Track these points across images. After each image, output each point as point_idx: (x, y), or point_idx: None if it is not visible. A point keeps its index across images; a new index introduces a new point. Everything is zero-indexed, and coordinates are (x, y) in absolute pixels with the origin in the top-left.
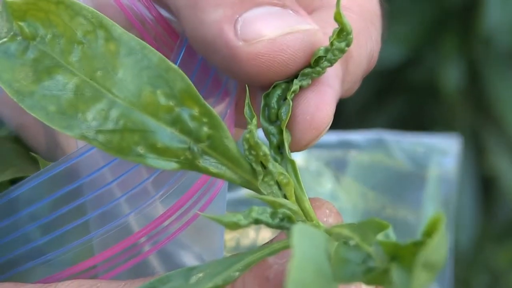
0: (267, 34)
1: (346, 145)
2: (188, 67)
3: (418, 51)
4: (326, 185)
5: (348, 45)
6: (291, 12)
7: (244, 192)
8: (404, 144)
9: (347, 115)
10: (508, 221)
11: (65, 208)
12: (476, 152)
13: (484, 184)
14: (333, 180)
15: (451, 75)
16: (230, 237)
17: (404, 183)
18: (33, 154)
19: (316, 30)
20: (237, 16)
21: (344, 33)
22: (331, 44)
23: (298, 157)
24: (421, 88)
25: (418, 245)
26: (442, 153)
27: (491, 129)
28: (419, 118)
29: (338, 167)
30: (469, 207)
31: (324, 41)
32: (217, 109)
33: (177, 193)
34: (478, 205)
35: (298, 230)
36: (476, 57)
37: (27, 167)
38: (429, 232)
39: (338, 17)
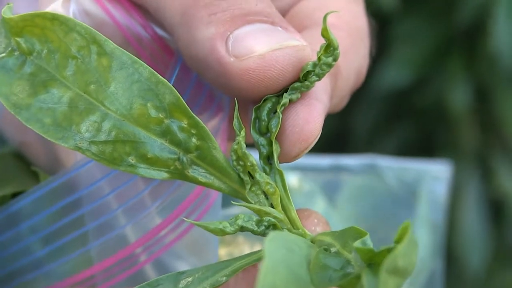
0: (257, 50)
1: (339, 169)
2: (183, 84)
3: (425, 73)
4: (319, 206)
5: (335, 59)
6: (280, 29)
7: (238, 209)
8: (396, 169)
9: (355, 140)
10: None
11: (64, 220)
12: (484, 174)
13: (493, 206)
14: (326, 201)
15: (458, 97)
16: (224, 252)
17: (395, 207)
18: (34, 168)
19: (304, 46)
20: (229, 33)
21: (331, 48)
22: (319, 59)
23: (293, 178)
24: (429, 111)
25: (391, 251)
26: (432, 178)
27: (499, 150)
28: (427, 141)
29: (331, 190)
30: (478, 230)
31: (312, 56)
32: (211, 124)
33: (173, 205)
34: (488, 228)
35: (272, 237)
36: (483, 78)
37: (28, 181)
38: (399, 240)
39: (325, 33)
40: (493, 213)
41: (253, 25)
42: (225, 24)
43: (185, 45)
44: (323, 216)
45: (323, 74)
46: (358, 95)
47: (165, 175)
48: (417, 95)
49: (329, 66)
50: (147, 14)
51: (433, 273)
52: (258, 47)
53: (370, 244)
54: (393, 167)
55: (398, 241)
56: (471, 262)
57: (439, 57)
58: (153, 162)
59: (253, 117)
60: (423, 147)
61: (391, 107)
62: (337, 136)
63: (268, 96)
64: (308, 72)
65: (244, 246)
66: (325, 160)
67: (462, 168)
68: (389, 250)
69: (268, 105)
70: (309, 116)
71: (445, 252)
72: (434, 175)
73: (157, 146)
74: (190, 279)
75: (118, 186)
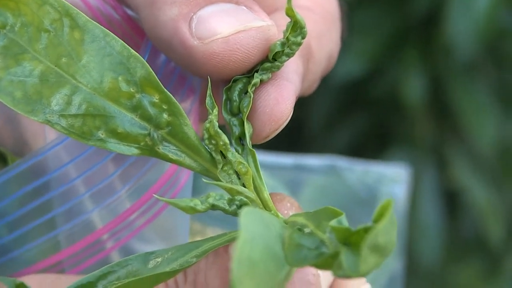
0: (221, 32)
1: (301, 168)
2: (153, 66)
3: (380, 64)
4: None
5: (303, 37)
6: (244, 8)
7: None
8: (356, 171)
9: (310, 130)
10: (473, 236)
11: (31, 205)
12: (439, 166)
13: (448, 198)
14: None
15: (413, 88)
16: None
17: (355, 208)
18: (2, 150)
19: (269, 26)
20: (192, 14)
21: (298, 26)
22: (287, 39)
23: None
24: (384, 102)
25: (368, 230)
26: (392, 181)
27: (455, 142)
28: (382, 131)
29: (293, 188)
30: (433, 221)
31: (278, 35)
32: (183, 106)
33: (142, 189)
34: (442, 219)
35: (247, 211)
36: (439, 69)
37: None
38: (378, 218)
39: (290, 12)
40: (448, 205)
41: (216, 5)
42: (189, 5)
43: (148, 26)
44: (296, 201)
45: (293, 53)
46: None
47: (135, 150)
48: (372, 86)
49: (298, 44)
50: None
51: (394, 274)
52: (222, 28)
53: (346, 223)
54: (354, 169)
55: (377, 220)
56: (426, 254)
57: (394, 47)
58: (123, 137)
59: (224, 98)
60: (378, 137)
61: (346, 98)
62: (292, 125)
63: (238, 76)
64: (278, 52)
65: None
66: (287, 159)
67: (417, 159)
68: (365, 230)
69: (239, 85)
70: (279, 97)
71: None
72: (394, 177)
73: (127, 121)
74: (159, 259)
75: (86, 170)
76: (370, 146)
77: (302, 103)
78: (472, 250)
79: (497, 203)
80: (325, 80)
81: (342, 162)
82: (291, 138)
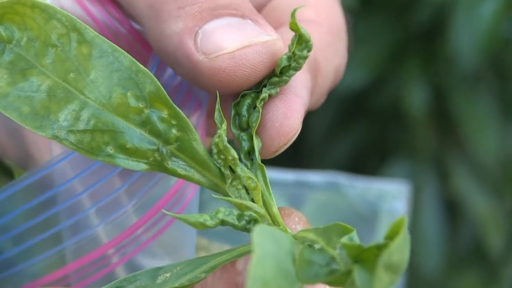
0: (226, 47)
1: (303, 185)
2: (161, 79)
3: (383, 74)
4: None
5: (309, 51)
6: (250, 22)
7: None
8: (357, 188)
9: (311, 140)
10: (473, 245)
11: (37, 219)
12: (441, 176)
13: (449, 208)
14: None
15: (415, 99)
16: None
17: (357, 224)
18: (8, 162)
19: (274, 40)
20: (197, 28)
21: (303, 40)
22: (293, 53)
23: None
24: (386, 112)
25: (381, 248)
26: (392, 197)
27: (456, 152)
28: (384, 142)
29: (295, 204)
30: (434, 232)
31: (284, 49)
32: (190, 120)
33: (149, 204)
34: (443, 230)
35: (260, 229)
36: (441, 80)
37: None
38: (391, 235)
39: (294, 27)
40: (449, 215)
41: (222, 19)
42: (194, 19)
43: (154, 39)
44: (304, 216)
45: (300, 67)
46: None
47: (144, 166)
48: (374, 96)
49: (304, 58)
50: (122, 8)
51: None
52: (227, 43)
53: (357, 240)
54: (355, 186)
55: (390, 237)
56: (427, 264)
57: (396, 58)
58: (132, 152)
59: (232, 113)
60: (380, 147)
61: (348, 108)
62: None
63: (246, 91)
64: (285, 67)
65: None
66: (289, 175)
67: (419, 169)
68: (378, 247)
69: (248, 100)
70: (288, 111)
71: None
72: (395, 194)
73: (136, 136)
74: (168, 274)
75: (93, 184)
76: (371, 156)
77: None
78: (473, 260)
79: (498, 213)
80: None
81: (343, 179)
82: (292, 149)
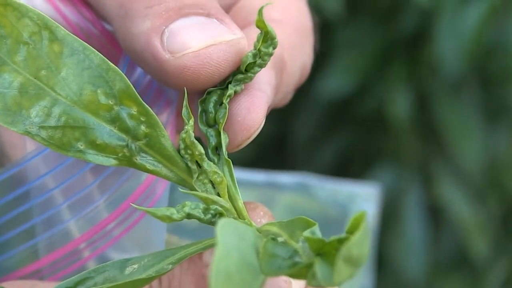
0: (192, 46)
1: (273, 185)
2: (131, 79)
3: (367, 81)
4: None
5: (274, 48)
6: (215, 21)
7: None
8: (327, 189)
9: (294, 146)
10: (457, 251)
11: (10, 214)
12: (424, 183)
13: (432, 214)
14: None
15: (399, 105)
16: None
17: (326, 226)
18: None
19: (238, 39)
20: (164, 27)
21: (269, 37)
22: (259, 50)
23: None
24: (370, 119)
25: (342, 241)
26: (362, 200)
27: (440, 159)
28: (368, 148)
29: (266, 205)
30: (418, 237)
31: (249, 48)
32: (160, 118)
33: (120, 199)
34: (427, 235)
35: (223, 222)
36: (425, 86)
37: None
38: (352, 230)
39: (260, 24)
40: (433, 221)
41: (188, 18)
42: (161, 18)
43: (122, 38)
44: (269, 210)
45: (265, 64)
46: (300, 101)
47: (113, 161)
48: (358, 103)
49: (270, 55)
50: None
51: None
52: (193, 42)
53: (319, 234)
54: (325, 187)
55: (351, 231)
56: (409, 269)
57: (380, 65)
58: (102, 148)
59: (199, 110)
60: (363, 154)
61: (332, 114)
62: (277, 141)
63: (212, 88)
64: (250, 64)
65: None
66: (260, 176)
67: (403, 176)
68: (339, 241)
69: (214, 97)
70: (251, 106)
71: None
72: (365, 196)
73: (106, 132)
74: (135, 266)
75: (65, 180)
76: (355, 163)
77: (287, 119)
78: (457, 265)
79: (482, 219)
80: (310, 97)
81: (313, 180)
82: (275, 155)
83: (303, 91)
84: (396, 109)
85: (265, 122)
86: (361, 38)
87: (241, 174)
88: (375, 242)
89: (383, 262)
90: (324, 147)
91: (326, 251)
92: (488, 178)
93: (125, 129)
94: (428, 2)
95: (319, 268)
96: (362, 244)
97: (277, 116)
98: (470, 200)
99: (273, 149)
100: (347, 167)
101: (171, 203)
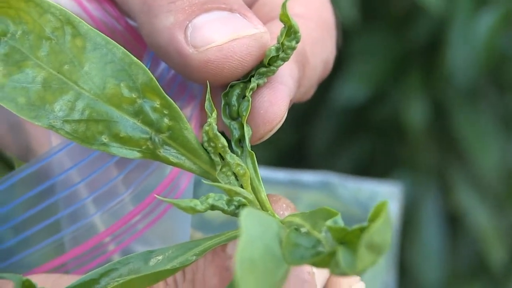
0: (215, 40)
1: (295, 184)
2: (155, 73)
3: (383, 89)
4: None
5: (297, 42)
6: (238, 15)
7: None
8: (349, 188)
9: (313, 154)
10: (475, 259)
11: (36, 208)
12: (442, 190)
13: (450, 222)
14: None
15: (415, 113)
16: None
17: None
18: (8, 155)
19: (261, 33)
20: (187, 22)
21: (292, 31)
22: (282, 44)
23: None
24: (387, 126)
25: (364, 230)
26: (385, 198)
27: (457, 166)
28: (385, 156)
29: None
30: (436, 245)
31: (272, 42)
32: (184, 112)
33: (145, 193)
34: (445, 243)
35: (247, 212)
36: (441, 94)
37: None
38: (373, 218)
39: (284, 18)
40: (450, 228)
41: (211, 13)
42: (184, 13)
43: (146, 33)
44: (291, 202)
45: (288, 58)
46: (317, 109)
47: (137, 154)
48: (374, 111)
49: (293, 49)
50: (116, 4)
51: (386, 286)
52: (216, 36)
53: (341, 223)
54: (348, 186)
55: (372, 220)
56: (427, 277)
57: (397, 73)
58: (126, 141)
59: (222, 103)
60: (381, 162)
61: (349, 122)
62: (295, 149)
63: (235, 82)
64: (273, 57)
65: None
66: (283, 174)
67: (420, 183)
68: (361, 229)
69: (237, 90)
70: (273, 99)
71: (399, 266)
72: (387, 194)
73: (129, 125)
74: (160, 257)
75: (90, 174)
76: (373, 170)
77: (304, 127)
78: (475, 273)
79: (500, 227)
80: (328, 104)
81: (335, 179)
82: (292, 161)
83: (320, 98)
84: (412, 116)
85: (284, 130)
86: (377, 46)
87: (264, 172)
88: (397, 242)
89: (402, 269)
90: (341, 154)
91: (348, 240)
92: (506, 186)
93: (148, 122)
94: (441, 10)
95: (342, 255)
96: (384, 231)
97: (294, 124)
98: (488, 207)
99: (291, 157)
100: (364, 174)
101: (196, 197)
